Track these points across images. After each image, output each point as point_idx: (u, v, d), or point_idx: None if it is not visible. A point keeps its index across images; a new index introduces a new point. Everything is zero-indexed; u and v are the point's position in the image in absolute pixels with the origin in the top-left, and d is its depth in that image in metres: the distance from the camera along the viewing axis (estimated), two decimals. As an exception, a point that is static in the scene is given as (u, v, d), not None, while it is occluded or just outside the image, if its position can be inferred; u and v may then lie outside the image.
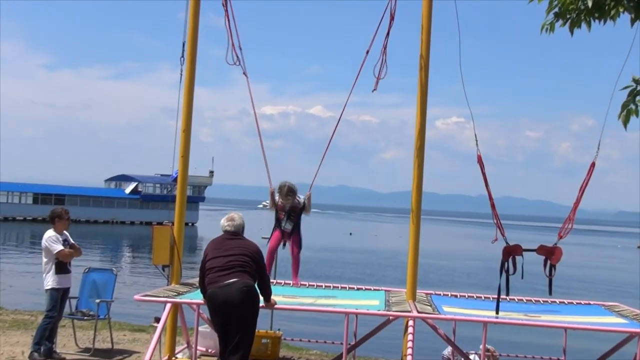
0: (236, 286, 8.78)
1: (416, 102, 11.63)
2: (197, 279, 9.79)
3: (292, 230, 11.96)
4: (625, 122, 7.12)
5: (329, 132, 12.56)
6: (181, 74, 12.16)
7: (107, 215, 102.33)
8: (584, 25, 7.33)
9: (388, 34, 11.77)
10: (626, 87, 7.23)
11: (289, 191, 11.83)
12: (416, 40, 11.68)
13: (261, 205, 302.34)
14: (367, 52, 11.87)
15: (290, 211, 11.90)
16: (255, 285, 9.05)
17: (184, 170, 12.28)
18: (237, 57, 12.37)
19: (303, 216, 12.13)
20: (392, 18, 11.74)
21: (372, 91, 11.84)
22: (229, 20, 12.27)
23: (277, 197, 11.89)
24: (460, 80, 11.36)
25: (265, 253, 9.52)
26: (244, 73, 12.62)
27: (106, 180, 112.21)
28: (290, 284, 13.20)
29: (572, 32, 7.40)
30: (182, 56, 12.17)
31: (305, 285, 13.31)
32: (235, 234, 9.38)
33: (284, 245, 12.14)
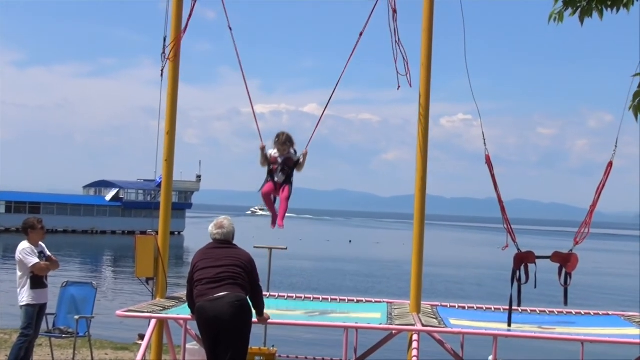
0: (227, 300, 8.77)
1: (418, 98, 11.65)
2: (185, 292, 9.79)
3: (283, 181, 11.83)
4: (636, 113, 7.02)
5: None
6: (163, 71, 12.16)
7: (86, 225, 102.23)
8: (595, 14, 7.29)
9: (396, 29, 11.74)
10: (637, 74, 7.17)
11: (287, 139, 11.71)
12: (418, 32, 11.71)
13: (249, 212, 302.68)
14: (361, 34, 11.70)
15: (283, 163, 11.78)
16: (248, 299, 9.05)
17: (169, 175, 12.29)
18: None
19: (295, 173, 12.00)
20: (394, 11, 11.73)
21: (397, 89, 11.77)
22: None
23: (270, 151, 11.79)
24: (466, 74, 11.40)
25: (256, 262, 9.48)
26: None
27: (85, 187, 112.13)
28: (284, 296, 13.20)
29: (582, 22, 7.37)
30: (164, 52, 12.16)
31: (302, 297, 13.31)
32: (225, 242, 9.35)
33: (275, 200, 12.02)
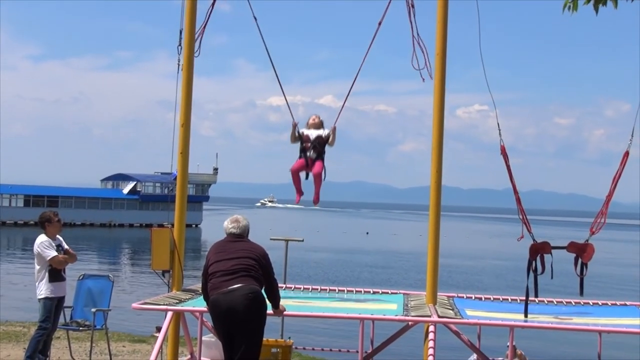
0: (241, 292, 8.78)
1: (434, 89, 11.62)
2: (200, 284, 9.81)
3: (316, 158, 12.13)
4: None
5: (341, 123, 12.58)
6: (179, 64, 12.17)
7: (104, 218, 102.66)
8: (610, 2, 7.23)
9: (414, 24, 11.81)
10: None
11: (321, 121, 12.29)
12: (433, 21, 11.68)
13: (259, 204, 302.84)
14: (380, 23, 11.99)
15: (315, 141, 12.10)
16: (262, 291, 9.06)
17: (184, 167, 12.30)
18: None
19: (327, 149, 12.34)
20: (412, 6, 11.85)
21: (423, 81, 12.05)
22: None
23: (302, 130, 12.13)
24: (482, 64, 11.36)
25: (269, 255, 9.48)
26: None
27: (102, 180, 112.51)
28: (300, 288, 13.21)
29: (596, 10, 7.31)
30: (180, 44, 12.18)
31: (318, 289, 13.31)
32: (240, 236, 9.40)
33: (307, 176, 12.31)
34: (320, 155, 12.19)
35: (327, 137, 12.20)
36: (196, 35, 12.30)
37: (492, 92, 11.57)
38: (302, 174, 12.37)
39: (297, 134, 12.24)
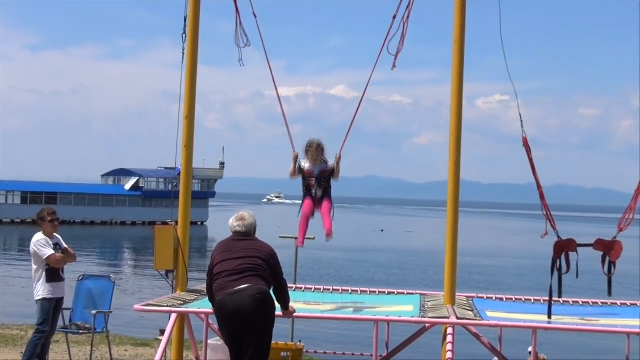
0: (248, 293, 8.77)
1: (451, 78, 11.60)
2: (205, 285, 9.82)
3: (322, 196, 11.97)
4: None
5: (352, 114, 12.56)
6: (183, 53, 12.18)
7: (105, 215, 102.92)
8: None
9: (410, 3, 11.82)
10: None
11: (318, 146, 11.82)
12: (450, 6, 11.65)
13: (265, 200, 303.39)
14: (394, 17, 11.95)
15: (319, 176, 11.88)
16: (271, 292, 9.05)
17: (188, 162, 12.32)
18: (246, 36, 12.50)
19: (332, 183, 12.11)
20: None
21: (392, 69, 12.17)
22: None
23: (303, 163, 11.89)
24: (502, 52, 11.33)
25: (279, 255, 9.48)
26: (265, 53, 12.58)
27: (103, 176, 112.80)
28: (312, 289, 13.22)
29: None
30: (184, 32, 12.20)
31: (330, 290, 13.32)
32: (246, 234, 9.39)
33: (313, 215, 12.11)
34: (326, 192, 12.02)
35: (332, 169, 11.99)
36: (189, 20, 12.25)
37: (513, 81, 11.55)
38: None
39: (297, 168, 11.97)
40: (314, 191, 11.96)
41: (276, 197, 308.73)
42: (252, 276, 8.91)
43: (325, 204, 11.96)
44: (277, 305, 9.34)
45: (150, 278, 38.30)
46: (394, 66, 12.19)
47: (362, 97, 12.54)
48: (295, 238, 15.36)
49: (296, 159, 11.95)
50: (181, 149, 12.27)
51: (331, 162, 11.96)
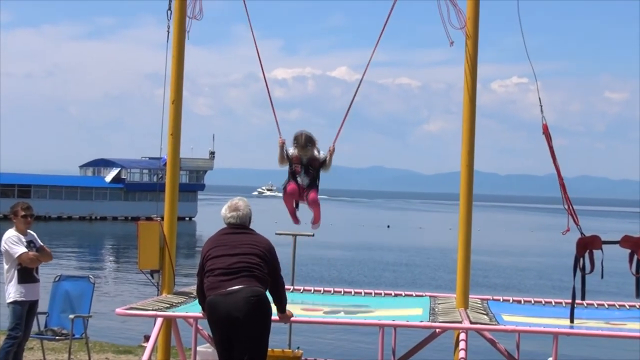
0: (242, 294, 8.77)
1: (464, 59, 11.60)
2: (195, 286, 9.81)
3: (308, 185, 11.98)
4: None
5: (356, 100, 12.55)
6: (168, 31, 12.17)
7: (84, 210, 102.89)
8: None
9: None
10: None
11: (307, 140, 11.82)
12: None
13: (256, 192, 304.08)
14: None
15: (308, 164, 11.90)
16: (267, 294, 9.05)
17: (175, 151, 12.32)
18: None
19: (322, 174, 12.13)
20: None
21: (450, 44, 11.81)
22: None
23: (291, 150, 11.91)
24: (520, 30, 11.33)
25: (275, 251, 9.43)
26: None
27: (81, 166, 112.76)
28: (311, 290, 13.23)
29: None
30: (169, 9, 12.19)
31: (331, 291, 13.32)
32: (241, 226, 9.35)
33: (297, 205, 12.14)
34: (314, 182, 12.03)
35: (324, 160, 12.03)
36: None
37: (532, 62, 11.55)
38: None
39: (285, 155, 12.00)
40: (299, 178, 11.95)
41: (268, 190, 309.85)
42: (247, 276, 8.91)
43: (311, 194, 11.95)
44: (274, 308, 9.34)
45: (133, 279, 38.35)
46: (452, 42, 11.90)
47: (361, 79, 12.51)
48: (292, 235, 15.37)
49: (283, 145, 11.96)
50: (167, 137, 12.27)
51: (323, 153, 12.02)
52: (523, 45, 11.53)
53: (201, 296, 9.25)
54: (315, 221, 12.39)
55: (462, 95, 11.66)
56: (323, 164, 11.97)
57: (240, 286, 8.83)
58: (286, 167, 11.98)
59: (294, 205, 12.19)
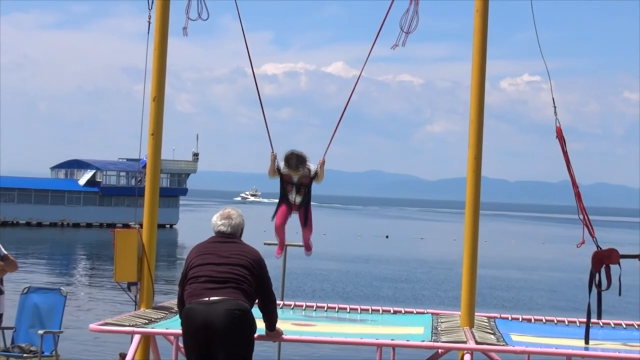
0: (225, 307, 8.73)
1: (472, 55, 11.61)
2: (176, 300, 9.79)
3: (301, 203, 12.58)
4: None
5: (354, 98, 12.63)
6: (149, 21, 12.16)
7: (55, 216, 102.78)
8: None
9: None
10: None
11: (298, 161, 12.50)
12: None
13: (239, 197, 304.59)
14: None
15: (299, 184, 12.50)
16: (252, 309, 9.01)
17: (156, 152, 12.30)
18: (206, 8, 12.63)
19: (314, 186, 12.71)
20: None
21: (392, 48, 12.26)
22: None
23: (282, 165, 12.38)
24: (533, 24, 11.34)
25: (268, 265, 9.49)
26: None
27: (53, 168, 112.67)
28: (302, 306, 13.22)
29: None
30: (151, -4, 12.19)
31: (324, 308, 13.32)
32: (231, 235, 9.37)
33: (289, 214, 12.69)
34: (305, 198, 12.61)
35: (315, 174, 12.54)
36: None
37: (545, 59, 11.57)
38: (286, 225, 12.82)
39: (276, 169, 12.56)
40: (291, 197, 12.55)
41: (252, 195, 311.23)
42: (233, 289, 8.89)
43: (302, 213, 12.63)
44: (260, 326, 9.32)
45: (108, 292, 38.33)
46: (396, 45, 12.26)
47: (359, 76, 12.64)
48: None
49: (274, 160, 12.55)
50: (147, 136, 12.26)
51: (314, 167, 12.52)
52: (535, 41, 11.56)
53: (181, 308, 9.21)
54: (306, 247, 13.14)
55: (469, 93, 11.66)
56: (314, 177, 12.53)
57: (224, 297, 8.80)
58: (274, 179, 12.53)
59: (283, 232, 12.81)
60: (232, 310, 8.73)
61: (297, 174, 12.36)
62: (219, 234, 9.37)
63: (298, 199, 12.44)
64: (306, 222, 12.66)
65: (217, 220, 9.41)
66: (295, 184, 12.44)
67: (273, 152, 12.51)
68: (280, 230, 12.70)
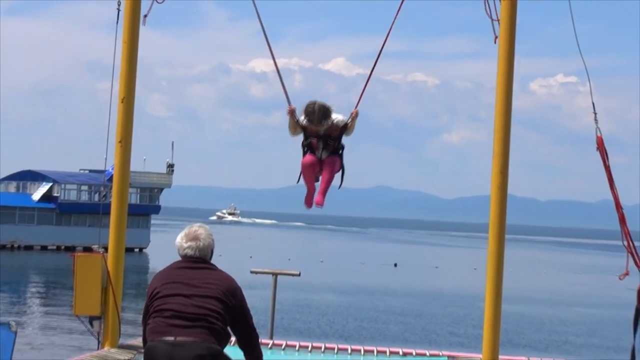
0: (193, 350, 8.60)
1: (497, 51, 11.64)
2: (142, 334, 9.76)
3: (330, 155, 12.43)
4: None
5: (354, 100, 12.63)
6: (119, 8, 12.19)
7: (4, 236, 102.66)
8: None
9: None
10: None
11: (322, 116, 12.21)
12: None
13: (215, 217, 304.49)
14: None
15: (326, 137, 12.33)
16: (224, 351, 8.92)
17: (124, 163, 12.32)
18: None
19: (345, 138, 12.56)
20: None
21: (494, 42, 12.03)
22: None
23: (302, 118, 12.19)
24: (570, 16, 11.37)
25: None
26: None
27: (2, 180, 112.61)
28: (295, 346, 13.23)
29: None
30: (120, -21, 12.22)
31: (321, 348, 13.33)
32: (200, 260, 9.23)
33: (317, 179, 12.57)
34: (335, 152, 12.40)
35: (345, 125, 12.34)
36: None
37: (584, 56, 11.58)
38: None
39: (297, 123, 12.35)
40: (318, 153, 12.35)
41: (229, 214, 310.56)
42: (204, 328, 8.79)
43: (334, 162, 12.39)
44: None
45: (67, 327, 38.29)
46: (496, 37, 12.10)
47: (369, 76, 12.59)
48: (271, 273, 15.38)
49: (293, 113, 12.35)
50: (115, 144, 12.27)
51: (342, 117, 12.33)
52: (571, 34, 11.58)
53: (144, 341, 9.15)
54: (319, 194, 12.68)
55: (494, 96, 11.68)
56: (344, 128, 12.32)
57: (193, 339, 8.73)
58: (296, 137, 12.39)
59: (314, 180, 12.59)
60: (203, 356, 8.62)
61: (321, 128, 12.25)
62: (186, 258, 9.25)
63: (325, 155, 12.33)
64: (338, 169, 12.50)
65: (182, 242, 9.19)
66: (322, 137, 12.31)
67: (291, 105, 12.36)
68: (308, 171, 12.51)
